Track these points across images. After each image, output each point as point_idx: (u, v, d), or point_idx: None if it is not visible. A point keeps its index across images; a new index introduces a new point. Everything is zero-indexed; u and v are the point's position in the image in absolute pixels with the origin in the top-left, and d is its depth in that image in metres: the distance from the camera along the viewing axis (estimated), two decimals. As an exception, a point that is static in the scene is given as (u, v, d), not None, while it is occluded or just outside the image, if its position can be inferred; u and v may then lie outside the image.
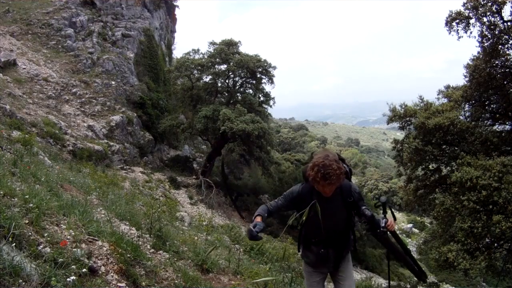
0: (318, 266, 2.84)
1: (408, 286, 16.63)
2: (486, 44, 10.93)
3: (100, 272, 2.46)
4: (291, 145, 62.19)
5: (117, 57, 21.80)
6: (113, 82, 20.38)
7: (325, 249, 2.74)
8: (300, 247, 2.95)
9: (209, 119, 19.78)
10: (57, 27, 21.04)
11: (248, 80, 23.57)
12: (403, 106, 14.11)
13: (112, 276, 2.51)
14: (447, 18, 11.51)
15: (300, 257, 2.98)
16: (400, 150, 14.67)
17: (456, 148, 12.23)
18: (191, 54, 22.93)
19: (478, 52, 11.51)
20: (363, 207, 2.64)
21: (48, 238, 2.40)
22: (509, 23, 10.52)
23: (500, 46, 10.83)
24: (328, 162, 2.40)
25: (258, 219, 2.54)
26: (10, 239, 2.03)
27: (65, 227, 2.83)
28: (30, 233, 2.32)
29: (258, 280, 2.97)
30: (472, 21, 11.01)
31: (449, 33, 11.58)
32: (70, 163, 10.86)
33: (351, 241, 2.88)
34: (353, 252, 2.97)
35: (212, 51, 22.50)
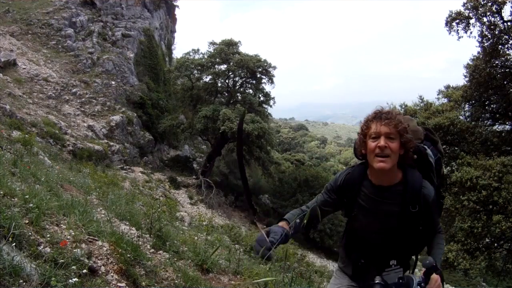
0: (354, 279, 2.03)
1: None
2: (486, 44, 10.92)
3: (100, 272, 2.46)
4: (291, 145, 62.25)
5: (117, 57, 21.81)
6: (113, 82, 20.38)
7: (366, 261, 1.92)
8: (343, 250, 2.14)
9: (209, 119, 19.79)
10: (57, 27, 21.05)
11: (248, 80, 23.59)
12: (403, 106, 14.10)
13: (112, 276, 2.51)
14: (447, 18, 11.50)
15: (300, 257, 2.31)
16: (400, 150, 14.66)
17: (456, 148, 12.22)
18: (191, 54, 22.96)
19: (478, 52, 11.51)
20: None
21: (48, 238, 2.40)
22: (509, 23, 10.52)
23: (500, 46, 10.82)
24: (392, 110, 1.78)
25: (281, 224, 1.78)
26: (10, 239, 2.03)
27: (65, 227, 2.83)
28: (30, 233, 2.32)
29: (258, 280, 2.92)
30: (472, 21, 11.01)
31: (449, 33, 11.57)
32: (70, 163, 10.86)
33: (408, 263, 1.96)
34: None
35: (212, 51, 22.52)
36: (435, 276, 1.65)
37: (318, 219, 1.85)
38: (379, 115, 1.73)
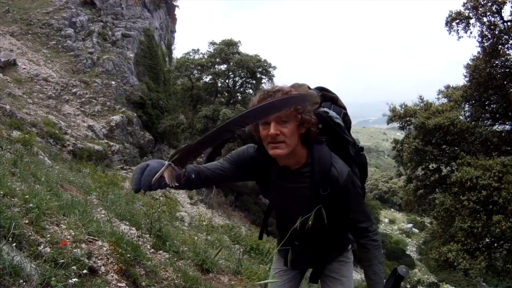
0: (292, 265, 1.84)
1: (408, 286, 16.64)
2: (486, 44, 10.93)
3: (100, 272, 2.46)
4: (291, 145, 62.13)
5: (117, 57, 21.80)
6: (113, 82, 20.38)
7: (301, 247, 1.75)
8: (265, 230, 2.04)
9: (209, 119, 19.80)
10: (57, 27, 21.05)
11: (248, 80, 23.59)
12: (403, 106, 14.11)
13: (112, 276, 2.51)
14: (447, 18, 11.51)
15: None
16: (400, 150, 14.69)
17: (456, 148, 12.23)
18: (191, 54, 22.97)
19: (478, 52, 11.51)
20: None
21: (48, 238, 2.40)
22: (509, 23, 10.52)
23: (500, 46, 10.83)
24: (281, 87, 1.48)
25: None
26: (10, 239, 2.02)
27: (65, 227, 2.83)
28: (30, 233, 2.32)
29: (261, 282, 2.89)
30: (472, 21, 11.02)
31: (449, 33, 11.58)
32: (70, 163, 10.86)
33: (345, 240, 1.83)
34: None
35: (212, 51, 22.52)
36: None
37: (214, 181, 1.69)
38: (264, 98, 1.43)
